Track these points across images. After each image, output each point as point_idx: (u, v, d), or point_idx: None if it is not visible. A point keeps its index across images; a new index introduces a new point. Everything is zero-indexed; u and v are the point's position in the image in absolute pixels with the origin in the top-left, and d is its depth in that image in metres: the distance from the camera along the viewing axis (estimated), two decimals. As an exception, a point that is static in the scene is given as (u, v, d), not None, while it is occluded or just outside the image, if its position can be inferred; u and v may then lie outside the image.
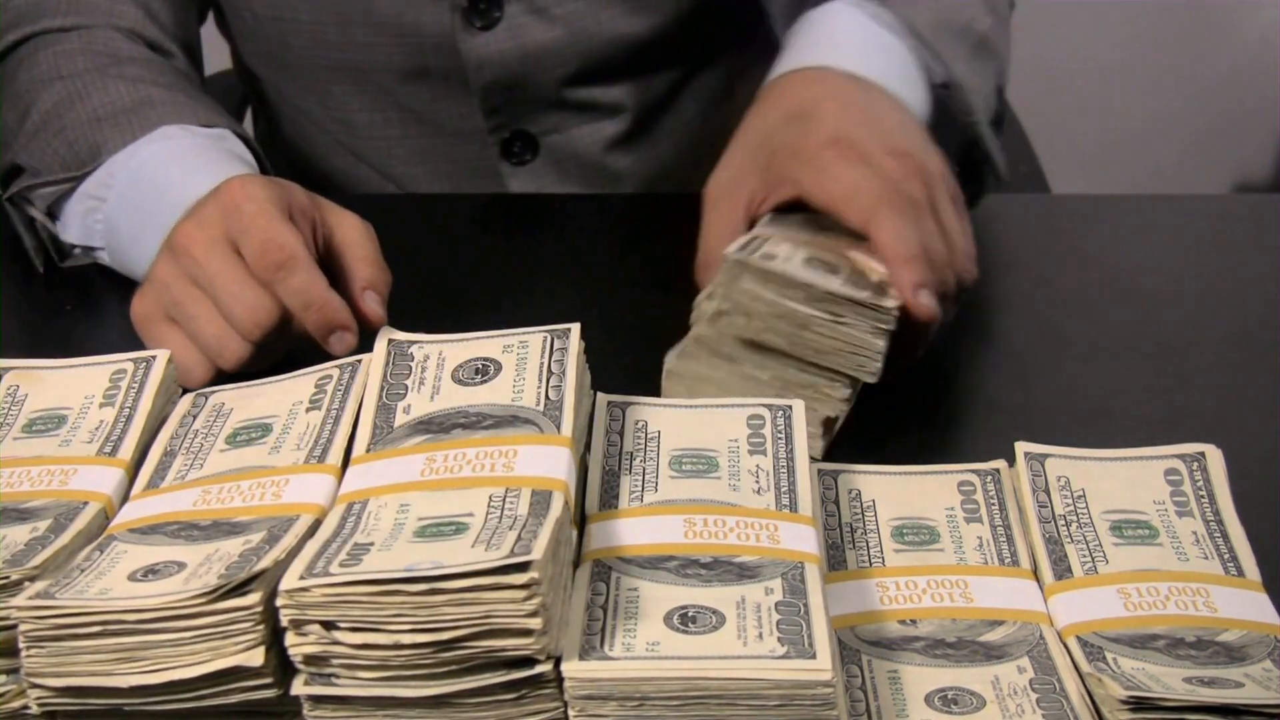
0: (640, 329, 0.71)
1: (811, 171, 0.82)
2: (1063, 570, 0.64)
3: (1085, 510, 0.67)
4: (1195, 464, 0.69)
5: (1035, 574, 0.65)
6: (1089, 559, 0.64)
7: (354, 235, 0.82)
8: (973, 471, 0.70)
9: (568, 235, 1.02)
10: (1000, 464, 0.71)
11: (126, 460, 0.67)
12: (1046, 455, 0.70)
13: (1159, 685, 0.56)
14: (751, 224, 0.84)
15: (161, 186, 0.88)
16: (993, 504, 0.69)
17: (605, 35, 1.07)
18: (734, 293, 0.75)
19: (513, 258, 0.99)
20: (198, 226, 0.79)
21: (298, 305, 0.76)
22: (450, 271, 0.97)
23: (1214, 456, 0.69)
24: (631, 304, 0.92)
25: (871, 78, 0.91)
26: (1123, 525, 0.66)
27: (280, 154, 1.20)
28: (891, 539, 0.67)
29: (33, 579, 0.59)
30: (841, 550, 0.67)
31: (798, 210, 0.82)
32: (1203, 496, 0.67)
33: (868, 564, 0.66)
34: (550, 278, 0.96)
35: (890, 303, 0.74)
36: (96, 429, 0.69)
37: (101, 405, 0.70)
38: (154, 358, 0.73)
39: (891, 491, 0.70)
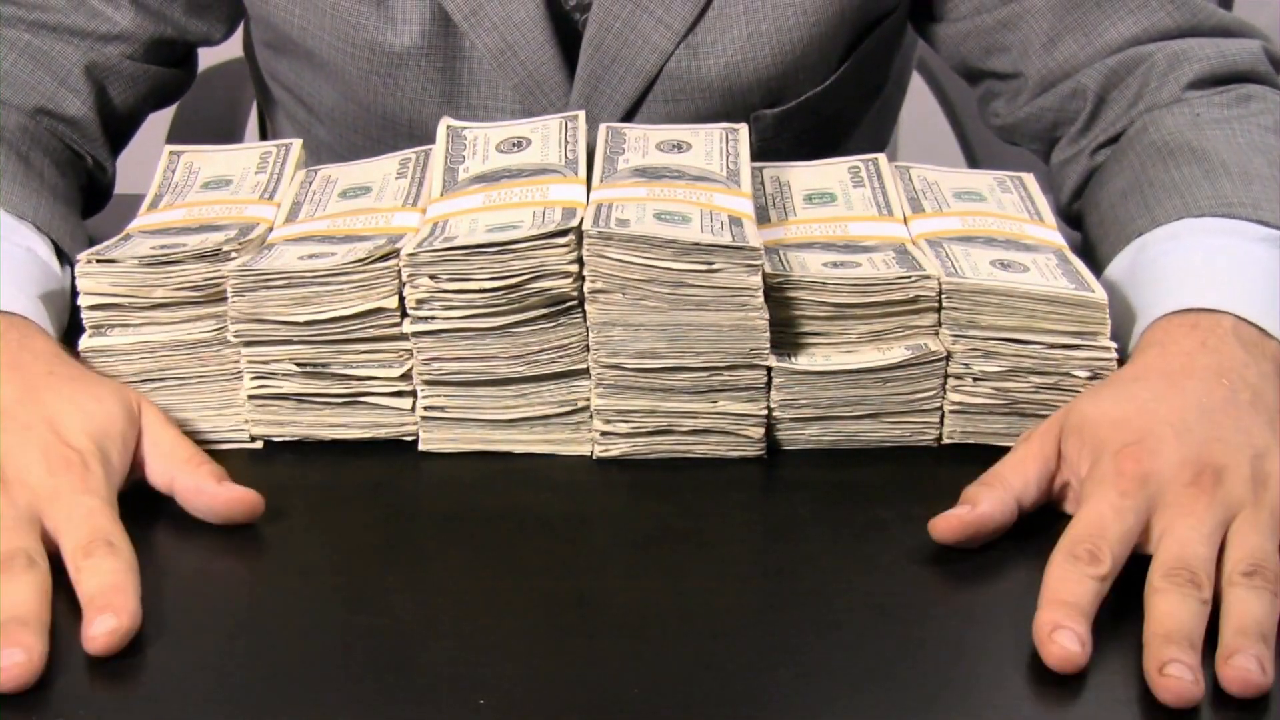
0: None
1: (1098, 498, 0.73)
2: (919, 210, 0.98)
3: (939, 188, 1.01)
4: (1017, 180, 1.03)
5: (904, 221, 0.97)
6: (937, 207, 0.98)
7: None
8: (859, 160, 1.03)
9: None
10: (879, 156, 1.03)
11: (279, 201, 0.97)
12: (910, 166, 1.03)
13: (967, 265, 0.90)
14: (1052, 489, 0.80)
15: None
16: (873, 175, 1.01)
17: None
18: (603, 267, 0.85)
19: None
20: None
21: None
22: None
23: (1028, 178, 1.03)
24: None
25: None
26: (963, 194, 1.00)
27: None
28: (802, 203, 0.99)
29: (237, 252, 0.89)
30: (766, 211, 0.98)
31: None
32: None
33: (784, 216, 0.98)
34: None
35: (755, 242, 0.84)
36: (255, 185, 0.99)
37: (257, 172, 1.00)
38: (290, 145, 1.02)
39: (802, 175, 1.02)
